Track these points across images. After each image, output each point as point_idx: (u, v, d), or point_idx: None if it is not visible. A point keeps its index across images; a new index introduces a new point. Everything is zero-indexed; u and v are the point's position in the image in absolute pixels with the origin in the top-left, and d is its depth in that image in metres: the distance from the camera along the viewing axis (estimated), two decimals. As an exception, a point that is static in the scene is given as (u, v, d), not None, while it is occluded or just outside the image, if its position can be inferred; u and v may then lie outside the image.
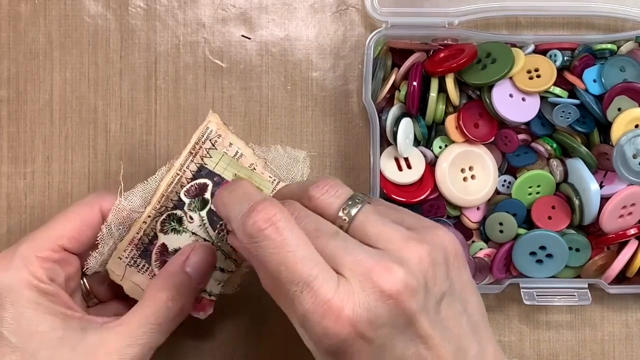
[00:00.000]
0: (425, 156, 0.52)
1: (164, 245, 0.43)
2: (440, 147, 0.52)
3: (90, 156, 0.54)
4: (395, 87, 0.52)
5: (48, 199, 0.54)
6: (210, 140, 0.41)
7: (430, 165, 0.53)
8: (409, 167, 0.52)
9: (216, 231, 0.42)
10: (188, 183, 0.42)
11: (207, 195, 0.42)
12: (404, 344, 0.33)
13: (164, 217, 0.42)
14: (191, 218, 0.42)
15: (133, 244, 0.42)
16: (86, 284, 0.45)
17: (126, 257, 0.42)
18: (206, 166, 0.41)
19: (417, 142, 0.53)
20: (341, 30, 0.55)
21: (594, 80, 0.51)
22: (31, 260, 0.40)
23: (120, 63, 0.54)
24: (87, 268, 0.42)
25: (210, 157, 0.41)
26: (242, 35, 0.55)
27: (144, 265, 0.42)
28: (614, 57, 0.51)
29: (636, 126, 0.49)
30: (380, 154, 0.51)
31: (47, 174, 0.54)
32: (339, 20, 0.55)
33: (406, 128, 0.51)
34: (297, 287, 0.32)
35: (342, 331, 0.32)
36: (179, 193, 0.42)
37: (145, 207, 0.42)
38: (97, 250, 0.42)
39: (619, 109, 0.50)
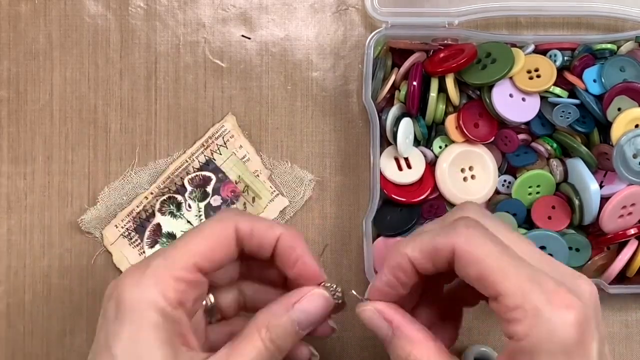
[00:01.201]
0: (425, 156, 0.52)
1: (158, 225, 0.43)
2: (440, 147, 0.52)
3: (90, 156, 0.54)
4: (395, 87, 0.52)
5: (48, 199, 0.54)
6: (223, 137, 0.41)
7: (430, 165, 0.53)
8: (409, 167, 0.52)
9: None
10: (194, 172, 0.42)
11: (209, 188, 0.43)
12: None
13: (164, 197, 0.43)
14: (189, 206, 0.43)
15: (131, 216, 0.43)
16: (212, 299, 0.42)
17: (122, 227, 0.43)
18: (214, 161, 0.42)
19: (417, 142, 0.53)
20: (341, 30, 0.55)
21: (594, 80, 0.51)
22: (165, 279, 0.36)
23: (120, 63, 0.55)
24: (81, 221, 0.43)
25: (220, 153, 0.42)
26: (242, 35, 0.55)
27: (136, 240, 0.43)
28: (614, 57, 0.51)
29: (636, 126, 0.49)
30: (380, 154, 0.51)
31: (47, 174, 0.54)
32: (339, 20, 0.55)
33: (406, 128, 0.51)
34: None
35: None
36: (184, 179, 0.42)
37: (151, 185, 0.43)
38: (94, 206, 0.43)
39: (619, 109, 0.50)
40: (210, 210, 0.42)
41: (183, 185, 0.42)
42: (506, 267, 0.33)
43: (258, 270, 0.42)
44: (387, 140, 0.52)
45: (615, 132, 0.49)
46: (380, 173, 0.51)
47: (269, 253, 0.39)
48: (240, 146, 0.42)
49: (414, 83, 0.50)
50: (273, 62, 0.55)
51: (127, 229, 0.43)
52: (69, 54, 0.54)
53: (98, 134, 0.54)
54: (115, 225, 0.43)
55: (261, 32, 0.55)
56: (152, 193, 0.42)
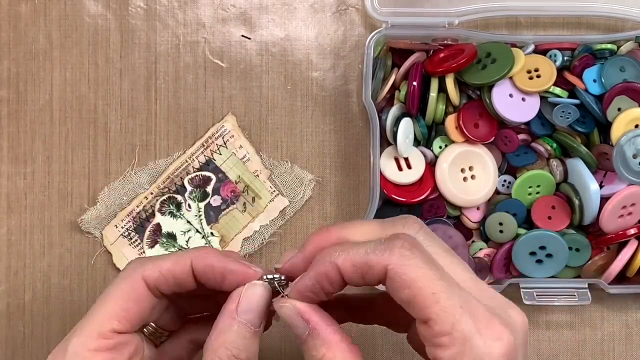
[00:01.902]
0: (425, 156, 0.52)
1: (158, 225, 0.43)
2: (440, 147, 0.52)
3: (90, 156, 0.54)
4: (395, 87, 0.52)
5: (48, 199, 0.54)
6: (223, 137, 0.41)
7: (430, 165, 0.53)
8: (409, 167, 0.52)
9: (209, 225, 0.42)
10: (194, 172, 0.42)
11: (209, 189, 0.43)
12: None
13: (164, 197, 0.43)
14: (189, 206, 0.42)
15: (131, 216, 0.43)
16: (153, 325, 0.41)
17: (122, 227, 0.43)
18: (214, 161, 0.42)
19: (417, 142, 0.53)
20: (341, 30, 0.55)
21: (594, 80, 0.51)
22: (84, 357, 0.36)
23: (120, 63, 0.55)
24: (81, 221, 0.43)
25: (220, 154, 0.41)
26: (242, 35, 0.55)
27: (136, 240, 0.43)
28: (614, 57, 0.51)
29: (636, 126, 0.49)
30: (380, 154, 0.51)
31: (47, 174, 0.54)
32: (339, 20, 0.55)
33: (406, 128, 0.51)
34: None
35: None
36: (184, 179, 0.42)
37: (150, 185, 0.42)
38: (94, 206, 0.42)
39: (619, 109, 0.50)
40: (210, 210, 0.42)
41: (183, 185, 0.42)
42: (438, 292, 0.32)
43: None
44: (387, 140, 0.52)
45: (615, 132, 0.49)
46: (380, 173, 0.51)
47: (193, 284, 0.38)
48: (240, 146, 0.41)
49: (414, 83, 0.50)
50: (273, 62, 0.55)
51: (127, 229, 0.43)
52: (69, 54, 0.54)
53: (98, 134, 0.54)
54: (115, 225, 0.43)
55: (261, 32, 0.55)
56: (152, 193, 0.42)
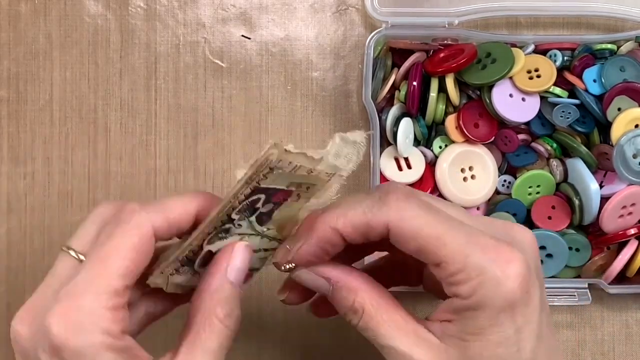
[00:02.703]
0: (425, 156, 0.52)
1: (209, 252, 0.39)
2: (440, 147, 0.52)
3: (90, 156, 0.54)
4: (395, 87, 0.52)
5: (48, 198, 0.54)
6: (269, 166, 0.37)
7: (430, 165, 0.53)
8: (409, 167, 0.52)
9: (263, 226, 0.39)
10: (240, 204, 0.38)
11: (259, 205, 0.39)
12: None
13: (211, 235, 0.39)
14: (239, 225, 0.39)
15: (177, 260, 0.39)
16: None
17: (169, 270, 0.39)
18: (261, 187, 0.38)
19: (417, 142, 0.53)
20: (341, 30, 0.55)
21: (594, 80, 0.51)
22: (102, 316, 0.33)
23: (120, 63, 0.54)
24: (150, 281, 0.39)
25: (267, 178, 0.38)
26: (242, 35, 0.55)
27: (187, 270, 0.39)
28: (614, 57, 0.51)
29: (636, 126, 0.49)
30: (380, 154, 0.51)
31: (47, 174, 0.54)
32: (339, 20, 0.55)
33: (406, 128, 0.51)
34: None
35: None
36: (230, 214, 0.38)
37: (192, 233, 0.38)
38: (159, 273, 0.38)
39: (619, 109, 0.50)
40: (262, 216, 0.39)
41: (230, 218, 0.38)
42: (443, 234, 0.33)
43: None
44: (387, 140, 0.52)
45: (615, 132, 0.49)
46: (380, 173, 0.51)
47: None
48: (290, 162, 0.37)
49: (414, 83, 0.50)
50: (273, 62, 0.55)
51: (175, 269, 0.39)
52: (68, 53, 0.54)
53: (98, 134, 0.54)
54: (161, 272, 0.39)
55: (261, 32, 0.55)
56: (196, 239, 0.38)
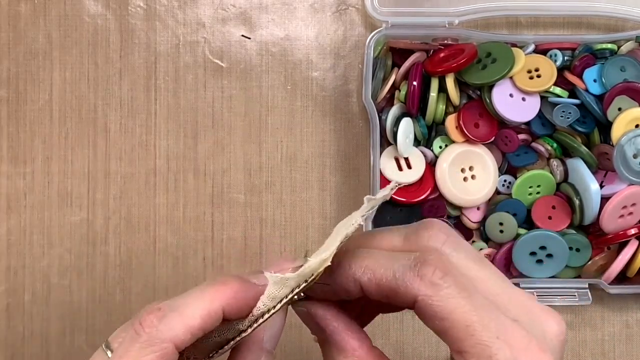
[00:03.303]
0: (425, 156, 0.52)
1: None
2: (440, 147, 0.52)
3: (90, 156, 0.54)
4: (395, 87, 0.52)
5: (48, 199, 0.54)
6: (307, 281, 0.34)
7: (430, 165, 0.52)
8: (409, 167, 0.52)
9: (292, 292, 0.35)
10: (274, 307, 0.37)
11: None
12: None
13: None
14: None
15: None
16: None
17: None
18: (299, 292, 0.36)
19: (417, 142, 0.53)
20: (341, 30, 0.55)
21: (594, 80, 0.51)
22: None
23: (120, 63, 0.54)
24: None
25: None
26: (242, 35, 0.55)
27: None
28: (614, 57, 0.51)
29: (636, 126, 0.49)
30: (380, 154, 0.51)
31: (47, 174, 0.54)
32: (339, 20, 0.55)
33: (406, 128, 0.51)
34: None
35: None
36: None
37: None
38: None
39: (619, 109, 0.50)
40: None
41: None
42: (473, 324, 0.31)
43: None
44: (387, 140, 0.52)
45: (616, 132, 0.49)
46: (380, 173, 0.51)
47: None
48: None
49: (414, 83, 0.50)
50: (273, 62, 0.55)
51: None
52: (68, 53, 0.54)
53: (98, 134, 0.54)
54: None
55: (261, 32, 0.55)
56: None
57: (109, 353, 0.33)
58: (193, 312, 0.32)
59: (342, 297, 0.34)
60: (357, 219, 0.33)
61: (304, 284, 0.33)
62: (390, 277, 0.32)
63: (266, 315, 0.34)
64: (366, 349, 0.34)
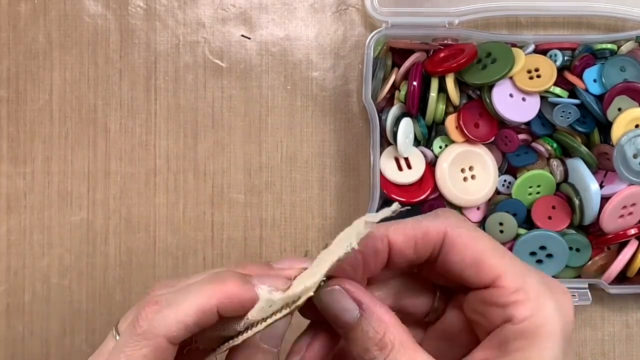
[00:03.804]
0: (425, 156, 0.52)
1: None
2: (440, 147, 0.52)
3: (90, 156, 0.54)
4: (395, 87, 0.52)
5: (48, 199, 0.54)
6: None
7: (430, 165, 0.52)
8: (409, 167, 0.52)
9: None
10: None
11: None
12: None
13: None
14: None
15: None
16: None
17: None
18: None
19: (417, 142, 0.53)
20: (341, 30, 0.55)
21: (594, 80, 0.51)
22: None
23: (120, 63, 0.54)
24: None
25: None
26: (242, 35, 0.55)
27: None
28: (614, 57, 0.51)
29: (636, 126, 0.49)
30: (380, 154, 0.51)
31: (47, 174, 0.54)
32: (339, 20, 0.55)
33: (406, 128, 0.51)
34: None
35: None
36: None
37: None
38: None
39: (619, 109, 0.50)
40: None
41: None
42: (501, 252, 0.32)
43: None
44: (387, 140, 0.52)
45: (616, 132, 0.49)
46: (380, 173, 0.51)
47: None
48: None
49: (414, 83, 0.50)
50: (273, 62, 0.55)
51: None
52: (68, 53, 0.54)
53: (98, 134, 0.54)
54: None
55: (261, 32, 0.55)
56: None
57: (117, 338, 0.35)
58: (187, 308, 0.32)
59: (365, 267, 0.34)
60: (353, 241, 0.32)
61: (293, 306, 0.32)
62: (416, 222, 0.33)
63: (259, 326, 0.33)
64: (401, 323, 0.33)
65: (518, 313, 0.31)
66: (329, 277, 0.33)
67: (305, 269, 0.33)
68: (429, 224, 0.33)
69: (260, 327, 0.33)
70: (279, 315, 0.33)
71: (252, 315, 0.33)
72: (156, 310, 0.33)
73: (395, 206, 0.32)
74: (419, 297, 0.37)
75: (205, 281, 0.33)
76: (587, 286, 0.52)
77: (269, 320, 0.33)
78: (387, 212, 0.32)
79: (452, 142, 0.52)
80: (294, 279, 0.33)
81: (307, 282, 0.32)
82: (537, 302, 0.31)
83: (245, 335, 0.34)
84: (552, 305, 0.31)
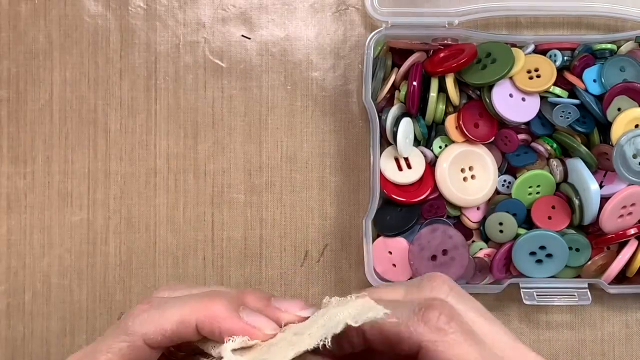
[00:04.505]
0: (425, 156, 0.52)
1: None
2: (440, 147, 0.52)
3: (90, 156, 0.54)
4: (395, 87, 0.52)
5: (48, 198, 0.54)
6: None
7: (430, 165, 0.53)
8: (409, 167, 0.52)
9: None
10: None
11: None
12: None
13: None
14: None
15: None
16: None
17: None
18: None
19: (417, 142, 0.53)
20: (341, 30, 0.55)
21: (594, 80, 0.51)
22: None
23: (120, 63, 0.54)
24: None
25: None
26: (242, 35, 0.55)
27: None
28: (614, 57, 0.51)
29: (636, 126, 0.49)
30: (380, 154, 0.51)
31: (47, 174, 0.54)
32: (339, 20, 0.55)
33: (406, 128, 0.51)
34: None
35: None
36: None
37: None
38: None
39: (619, 109, 0.50)
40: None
41: None
42: None
43: None
44: (387, 140, 0.52)
45: (615, 132, 0.49)
46: (380, 173, 0.51)
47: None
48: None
49: (414, 83, 0.50)
50: (273, 62, 0.55)
51: None
52: (68, 53, 0.54)
53: (98, 134, 0.54)
54: None
55: (261, 32, 0.55)
56: None
57: None
58: (170, 317, 0.33)
59: (345, 351, 0.33)
60: (329, 337, 0.30)
61: None
62: (394, 323, 0.31)
63: None
64: None
65: None
66: (314, 349, 0.31)
67: (304, 318, 0.33)
68: (406, 331, 0.31)
69: None
70: None
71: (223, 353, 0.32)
72: (145, 310, 0.34)
73: (382, 313, 0.30)
74: None
75: (198, 296, 0.34)
76: (586, 286, 0.52)
77: None
78: (379, 313, 0.30)
79: (452, 142, 0.52)
80: (284, 325, 0.33)
81: (289, 353, 0.31)
82: None
83: None
84: None
